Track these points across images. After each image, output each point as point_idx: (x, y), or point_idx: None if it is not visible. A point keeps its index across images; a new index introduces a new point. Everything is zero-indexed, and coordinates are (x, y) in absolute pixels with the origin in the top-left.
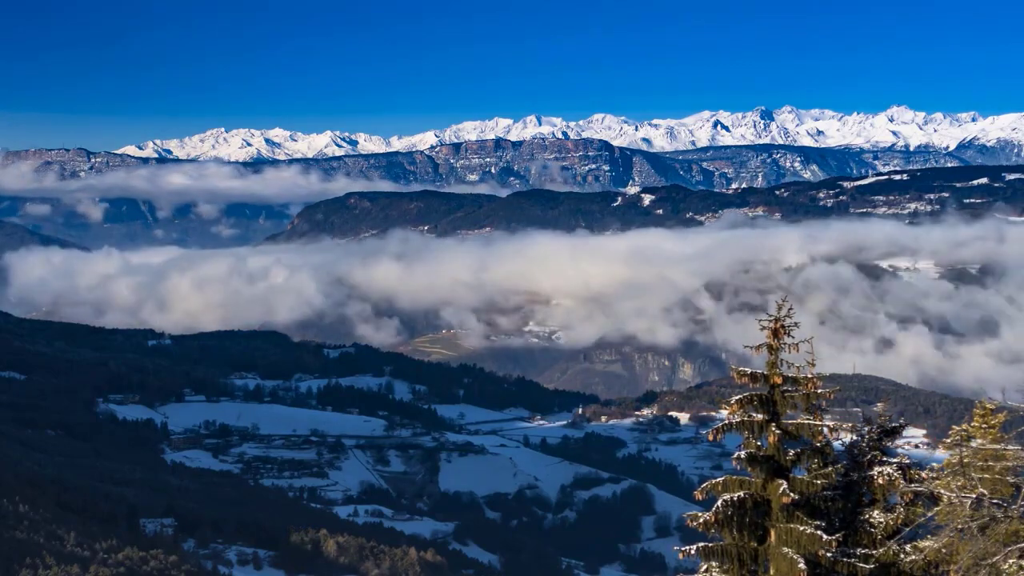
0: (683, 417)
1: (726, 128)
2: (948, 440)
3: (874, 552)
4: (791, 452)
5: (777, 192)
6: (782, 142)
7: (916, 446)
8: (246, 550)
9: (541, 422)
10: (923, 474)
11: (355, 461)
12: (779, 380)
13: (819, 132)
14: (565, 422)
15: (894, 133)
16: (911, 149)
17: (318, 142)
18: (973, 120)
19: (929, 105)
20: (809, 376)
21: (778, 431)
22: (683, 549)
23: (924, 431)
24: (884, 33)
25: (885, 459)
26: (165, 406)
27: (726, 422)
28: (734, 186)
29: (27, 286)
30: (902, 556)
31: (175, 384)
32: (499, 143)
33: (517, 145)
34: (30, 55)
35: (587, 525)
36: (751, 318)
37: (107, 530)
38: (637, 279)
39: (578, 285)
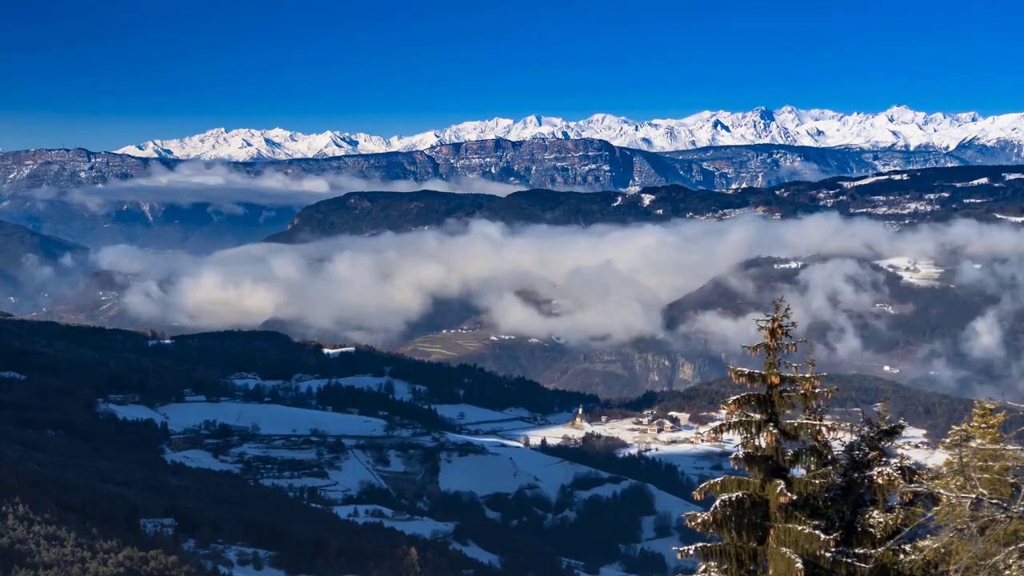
0: (683, 417)
1: (726, 128)
2: (948, 440)
3: (873, 552)
4: (789, 452)
5: (777, 192)
6: (782, 142)
7: (916, 446)
8: (246, 550)
9: (543, 424)
10: (923, 474)
11: (355, 461)
12: (777, 380)
13: (819, 132)
14: (565, 422)
15: (894, 133)
16: (911, 149)
17: (318, 142)
18: (973, 120)
19: (929, 105)
20: (807, 376)
21: (776, 431)
22: (682, 549)
23: (924, 431)
24: (884, 32)
25: (885, 459)
26: (165, 406)
27: (724, 422)
28: (734, 186)
29: (27, 286)
30: (901, 556)
31: (175, 384)
32: (499, 143)
33: (517, 145)
34: (30, 54)
35: (587, 525)
36: (751, 318)
37: (107, 530)
38: (637, 279)
39: (578, 285)
